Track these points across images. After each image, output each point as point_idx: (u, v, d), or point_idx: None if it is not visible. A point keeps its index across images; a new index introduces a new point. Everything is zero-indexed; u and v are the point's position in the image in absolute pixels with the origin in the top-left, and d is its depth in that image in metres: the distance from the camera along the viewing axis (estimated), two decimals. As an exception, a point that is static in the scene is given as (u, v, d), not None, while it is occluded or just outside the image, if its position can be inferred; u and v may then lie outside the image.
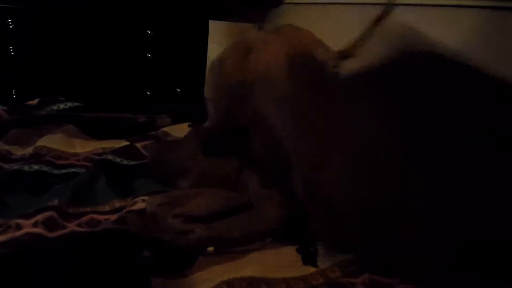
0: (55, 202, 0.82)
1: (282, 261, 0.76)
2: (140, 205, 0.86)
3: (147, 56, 1.79)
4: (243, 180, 1.00)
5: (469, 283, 0.67)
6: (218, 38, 1.98)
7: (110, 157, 1.11)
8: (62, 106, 1.41)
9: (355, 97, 0.90)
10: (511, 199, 0.68)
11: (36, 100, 1.41)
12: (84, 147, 1.19)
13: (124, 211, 0.85)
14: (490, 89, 0.82)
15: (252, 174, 1.00)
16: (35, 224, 0.76)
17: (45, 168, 1.04)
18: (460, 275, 0.69)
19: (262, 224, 0.84)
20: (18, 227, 0.75)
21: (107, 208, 0.89)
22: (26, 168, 1.02)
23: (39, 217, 0.77)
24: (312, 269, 0.74)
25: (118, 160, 1.11)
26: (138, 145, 1.20)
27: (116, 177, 1.02)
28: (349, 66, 1.09)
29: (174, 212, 0.83)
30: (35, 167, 1.03)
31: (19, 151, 1.13)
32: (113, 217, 0.83)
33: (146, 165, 1.11)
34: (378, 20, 1.08)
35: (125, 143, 1.21)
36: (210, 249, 0.77)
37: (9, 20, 1.57)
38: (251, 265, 0.73)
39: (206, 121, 1.22)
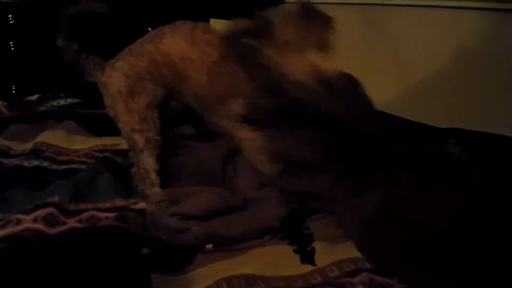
0: (55, 198, 0.82)
1: (281, 259, 0.76)
2: (141, 205, 0.86)
3: (148, 53, 1.79)
4: (230, 176, 0.99)
5: (466, 284, 0.68)
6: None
7: (112, 157, 1.11)
8: (62, 102, 1.41)
9: None
10: None
11: (36, 96, 1.41)
12: (84, 143, 1.19)
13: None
14: None
15: (243, 169, 0.99)
16: (35, 220, 0.76)
17: (45, 164, 1.04)
18: (458, 276, 0.69)
19: (260, 222, 0.83)
20: (18, 222, 0.75)
21: (108, 205, 0.89)
22: (26, 163, 1.02)
23: (39, 212, 0.77)
24: (310, 268, 0.74)
25: (119, 160, 1.11)
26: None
27: (118, 176, 1.02)
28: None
29: (171, 210, 0.83)
30: (35, 162, 1.03)
31: (19, 147, 1.13)
32: (113, 214, 0.83)
33: None
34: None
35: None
36: (209, 246, 0.77)
37: (10, 16, 1.57)
38: (250, 263, 0.73)
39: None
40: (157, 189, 0.93)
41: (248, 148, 0.94)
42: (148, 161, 0.94)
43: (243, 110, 0.87)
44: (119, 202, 0.90)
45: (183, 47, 0.90)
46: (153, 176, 0.94)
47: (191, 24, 0.94)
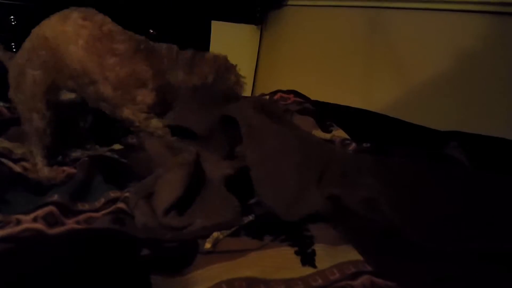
0: (55, 197, 0.83)
1: (281, 261, 0.76)
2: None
3: (149, 55, 1.79)
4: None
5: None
6: (221, 39, 1.98)
7: (108, 153, 1.12)
8: (63, 104, 1.41)
9: None
10: None
11: (37, 98, 1.40)
12: (85, 144, 1.19)
13: (118, 203, 0.86)
14: None
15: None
16: (35, 219, 0.76)
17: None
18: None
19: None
20: (18, 222, 0.75)
21: (103, 200, 0.90)
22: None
23: (39, 212, 0.77)
24: (311, 270, 0.74)
25: (116, 156, 1.11)
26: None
27: (112, 173, 1.02)
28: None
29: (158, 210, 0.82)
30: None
31: (19, 149, 1.13)
32: (109, 209, 0.84)
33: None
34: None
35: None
36: (208, 246, 0.77)
37: (12, 17, 1.57)
38: (251, 266, 0.73)
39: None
40: (42, 168, 1.01)
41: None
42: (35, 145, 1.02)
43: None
44: (113, 194, 0.92)
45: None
46: (38, 159, 1.01)
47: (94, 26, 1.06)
